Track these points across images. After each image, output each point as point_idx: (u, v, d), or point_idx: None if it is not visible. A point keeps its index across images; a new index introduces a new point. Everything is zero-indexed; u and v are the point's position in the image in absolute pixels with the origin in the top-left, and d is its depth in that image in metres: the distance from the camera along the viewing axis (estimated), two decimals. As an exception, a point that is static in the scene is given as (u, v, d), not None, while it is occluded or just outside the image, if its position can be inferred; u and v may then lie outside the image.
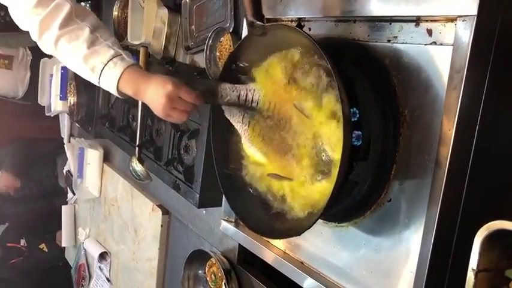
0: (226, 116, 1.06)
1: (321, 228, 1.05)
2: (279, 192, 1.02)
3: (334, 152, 0.91)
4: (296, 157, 0.98)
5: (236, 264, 1.40)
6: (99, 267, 2.35)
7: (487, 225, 0.65)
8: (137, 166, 1.38)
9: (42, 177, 3.20)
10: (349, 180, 0.94)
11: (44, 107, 2.75)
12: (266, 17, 1.06)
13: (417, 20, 0.86)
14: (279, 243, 1.16)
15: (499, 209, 0.80)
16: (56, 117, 2.84)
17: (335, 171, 0.87)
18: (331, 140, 0.91)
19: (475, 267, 0.66)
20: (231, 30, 1.37)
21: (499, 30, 0.76)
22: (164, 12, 1.66)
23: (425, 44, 0.85)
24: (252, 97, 1.00)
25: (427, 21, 0.85)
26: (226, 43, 1.37)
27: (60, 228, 2.82)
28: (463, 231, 0.79)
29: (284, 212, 1.01)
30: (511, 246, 0.68)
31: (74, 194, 2.72)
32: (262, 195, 1.05)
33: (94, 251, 2.38)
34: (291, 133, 0.98)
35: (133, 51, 2.00)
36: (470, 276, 0.67)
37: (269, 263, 1.17)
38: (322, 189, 0.94)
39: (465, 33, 0.76)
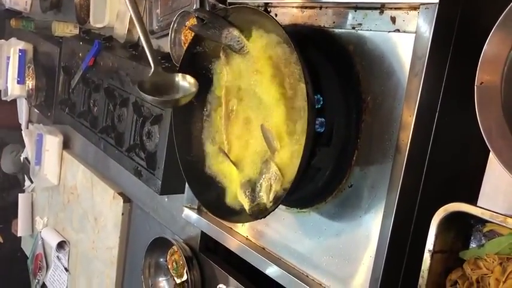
0: (222, 56, 1.01)
1: (283, 213, 1.05)
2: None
3: (265, 195, 0.92)
4: (252, 151, 0.98)
5: (198, 252, 1.39)
6: (57, 256, 2.29)
7: (444, 207, 0.67)
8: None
9: None
10: (312, 166, 0.94)
11: (0, 91, 2.64)
12: (231, 1, 1.05)
13: (381, 8, 0.87)
14: (242, 230, 1.15)
15: (456, 194, 0.82)
16: (13, 102, 2.73)
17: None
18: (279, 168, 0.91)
19: (431, 249, 0.68)
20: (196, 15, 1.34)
21: (460, 19, 0.78)
22: (128, -6, 1.62)
23: (389, 32, 0.86)
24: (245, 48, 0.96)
25: (391, 9, 0.86)
26: (191, 27, 1.34)
27: (16, 216, 2.72)
28: (421, 215, 0.80)
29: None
30: (466, 229, 0.70)
31: (31, 181, 2.63)
32: (221, 181, 1.04)
33: (52, 240, 2.31)
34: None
35: (95, 35, 1.95)
36: (426, 258, 0.68)
37: (231, 249, 1.16)
38: (242, 201, 0.96)
39: (427, 21, 0.78)
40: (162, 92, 1.01)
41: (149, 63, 1.02)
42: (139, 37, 1.68)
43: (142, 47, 1.65)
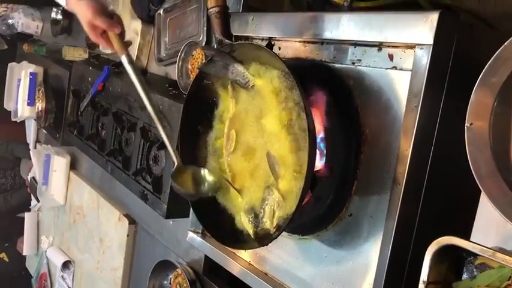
0: (230, 90, 1.06)
1: (285, 240, 1.08)
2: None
3: (269, 221, 0.96)
4: (255, 178, 1.01)
5: (202, 275, 1.42)
6: (62, 276, 2.31)
7: (436, 240, 0.70)
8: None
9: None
10: (313, 195, 0.97)
11: (10, 112, 2.70)
12: (237, 34, 1.10)
13: (380, 46, 0.92)
14: (245, 255, 1.18)
15: (452, 225, 0.85)
16: (22, 122, 2.79)
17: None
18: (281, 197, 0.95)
19: (425, 280, 0.70)
20: (203, 45, 1.39)
21: (454, 58, 0.82)
22: (137, 23, 1.68)
23: (387, 68, 0.90)
24: (250, 83, 1.01)
25: (388, 47, 0.90)
26: (198, 57, 1.39)
27: (21, 235, 2.75)
28: (418, 245, 0.83)
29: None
30: (459, 260, 0.73)
31: (38, 201, 2.67)
32: (226, 207, 1.07)
33: (57, 259, 2.33)
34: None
35: (104, 60, 2.01)
36: (421, 288, 0.71)
37: (234, 274, 1.19)
38: (246, 226, 0.99)
39: (423, 59, 0.82)
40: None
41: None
42: (147, 63, 1.74)
43: (151, 74, 1.71)
